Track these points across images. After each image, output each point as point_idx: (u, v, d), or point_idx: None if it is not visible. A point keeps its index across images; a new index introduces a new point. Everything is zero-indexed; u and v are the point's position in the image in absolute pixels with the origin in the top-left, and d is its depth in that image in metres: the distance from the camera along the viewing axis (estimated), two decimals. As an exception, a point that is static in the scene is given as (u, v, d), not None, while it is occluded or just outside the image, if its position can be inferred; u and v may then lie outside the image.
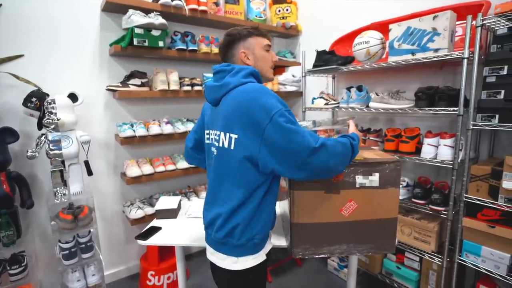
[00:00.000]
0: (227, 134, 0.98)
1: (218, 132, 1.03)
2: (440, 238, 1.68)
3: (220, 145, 1.01)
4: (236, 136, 0.95)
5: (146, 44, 1.88)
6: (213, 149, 1.06)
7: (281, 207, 1.52)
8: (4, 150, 1.63)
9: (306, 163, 0.88)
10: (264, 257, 1.07)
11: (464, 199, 1.49)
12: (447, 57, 1.45)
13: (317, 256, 1.18)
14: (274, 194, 1.07)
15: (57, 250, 1.78)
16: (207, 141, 1.12)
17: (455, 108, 1.45)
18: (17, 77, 1.72)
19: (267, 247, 1.11)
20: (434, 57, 1.50)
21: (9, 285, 1.63)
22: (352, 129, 1.15)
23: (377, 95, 1.83)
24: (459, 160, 1.48)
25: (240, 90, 0.97)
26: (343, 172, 1.11)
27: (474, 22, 1.37)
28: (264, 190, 1.01)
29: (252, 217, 1.01)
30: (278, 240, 1.34)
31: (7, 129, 1.67)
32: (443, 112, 1.52)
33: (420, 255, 1.72)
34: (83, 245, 1.82)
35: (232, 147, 0.97)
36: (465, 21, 1.43)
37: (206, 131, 1.12)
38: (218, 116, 1.03)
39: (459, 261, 1.54)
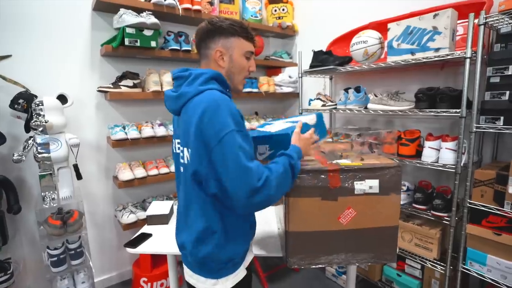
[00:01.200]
0: (186, 150, 0.91)
1: (181, 147, 0.94)
2: (442, 245, 1.62)
3: (185, 161, 0.92)
4: (190, 152, 0.88)
5: (138, 44, 1.83)
6: (181, 164, 0.97)
7: (276, 212, 1.46)
8: (-11, 154, 1.57)
9: (245, 203, 0.81)
10: (245, 272, 0.99)
11: (468, 204, 1.43)
12: (449, 57, 1.40)
13: (314, 266, 1.13)
14: None
15: (45, 256, 1.72)
16: (176, 151, 1.01)
17: (458, 110, 1.40)
18: (4, 78, 1.66)
19: (248, 259, 1.03)
20: (435, 56, 1.44)
21: (-6, 294, 1.57)
22: (294, 139, 0.99)
23: (375, 96, 1.77)
24: (462, 164, 1.42)
25: (196, 101, 0.86)
26: (341, 177, 1.05)
27: (476, 21, 1.31)
28: (223, 207, 0.91)
29: (224, 241, 0.92)
30: (272, 249, 1.28)
31: (-7, 132, 1.61)
32: (444, 114, 1.46)
33: (422, 262, 1.66)
34: (73, 252, 1.76)
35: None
36: (466, 20, 1.39)
37: (176, 140, 1.00)
38: (180, 128, 0.94)
39: (463, 270, 1.48)
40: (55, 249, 1.70)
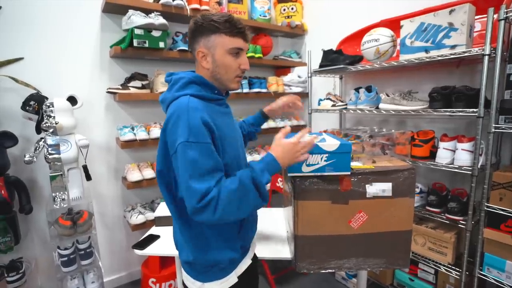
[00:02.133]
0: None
1: None
2: (457, 250, 1.56)
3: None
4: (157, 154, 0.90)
5: (146, 45, 1.83)
6: None
7: (285, 215, 1.43)
8: (2, 155, 1.60)
9: (194, 217, 0.79)
10: (236, 279, 0.94)
11: (485, 208, 1.37)
12: (466, 54, 1.35)
13: (323, 271, 1.10)
14: None
15: (56, 256, 1.74)
16: None
17: (475, 110, 1.34)
18: (16, 80, 1.69)
19: (242, 267, 0.98)
20: (451, 54, 1.39)
21: (7, 292, 1.59)
22: (273, 146, 0.91)
23: (387, 96, 1.72)
24: (479, 166, 1.36)
25: (170, 108, 0.85)
26: (352, 180, 1.02)
27: (496, 16, 1.25)
28: None
29: (204, 247, 0.90)
30: (281, 252, 1.26)
31: (6, 133, 1.64)
32: (460, 114, 1.40)
33: (436, 267, 1.60)
34: (82, 252, 1.77)
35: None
36: (484, 15, 1.33)
37: None
38: None
39: (480, 276, 1.42)
40: (66, 249, 1.72)
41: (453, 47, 1.39)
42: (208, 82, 0.91)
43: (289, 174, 1.02)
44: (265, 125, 2.40)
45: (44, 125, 1.62)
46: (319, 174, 1.00)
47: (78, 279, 1.80)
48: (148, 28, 1.81)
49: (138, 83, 1.94)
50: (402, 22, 1.58)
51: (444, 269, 1.56)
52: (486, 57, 1.28)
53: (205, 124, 0.80)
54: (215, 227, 0.90)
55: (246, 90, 2.31)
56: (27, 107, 1.64)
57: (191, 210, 0.78)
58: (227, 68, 0.90)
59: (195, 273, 0.94)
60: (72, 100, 1.77)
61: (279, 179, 2.33)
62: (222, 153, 0.86)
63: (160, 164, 0.89)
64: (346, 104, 2.01)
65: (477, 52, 1.31)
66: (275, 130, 2.46)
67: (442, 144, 1.50)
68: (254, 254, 1.12)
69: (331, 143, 0.98)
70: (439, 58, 1.43)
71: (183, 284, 1.01)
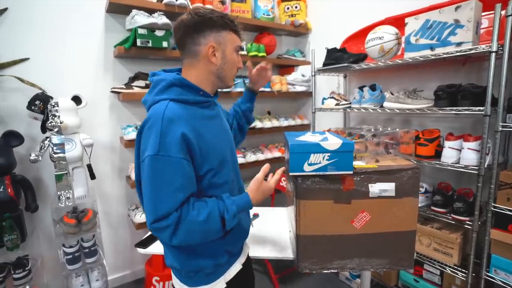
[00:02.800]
0: None
1: None
2: (463, 251, 1.54)
3: None
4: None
5: (150, 44, 1.83)
6: None
7: (288, 214, 1.43)
8: (8, 154, 1.62)
9: (149, 229, 0.78)
10: (224, 285, 0.92)
11: (492, 208, 1.34)
12: (472, 52, 1.32)
13: (326, 271, 1.09)
14: None
15: (61, 254, 1.76)
16: None
17: (481, 108, 1.32)
18: (22, 80, 1.71)
19: (231, 273, 0.96)
20: (457, 51, 1.36)
21: (14, 289, 1.61)
22: (251, 187, 0.90)
23: (392, 94, 1.70)
24: (485, 165, 1.34)
25: (149, 111, 0.82)
26: (354, 180, 1.01)
27: (503, 12, 1.23)
28: None
29: (186, 254, 0.88)
30: (284, 251, 1.25)
31: (12, 132, 1.66)
32: (466, 112, 1.38)
33: (441, 268, 1.58)
34: (87, 250, 1.79)
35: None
36: (491, 12, 1.30)
37: None
38: None
39: (487, 278, 1.39)
40: (70, 247, 1.74)
41: (459, 44, 1.37)
42: (192, 84, 0.86)
43: (291, 174, 1.01)
44: (268, 124, 2.40)
45: (49, 124, 1.64)
46: (321, 173, 0.99)
47: (83, 276, 1.82)
48: (151, 28, 1.82)
49: (141, 83, 1.95)
50: (406, 20, 1.56)
51: (450, 270, 1.53)
52: (493, 54, 1.25)
53: (181, 136, 0.76)
54: None
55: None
56: (33, 107, 1.66)
57: (149, 227, 0.76)
58: (233, 64, 0.91)
59: (182, 278, 0.93)
60: (76, 99, 1.79)
61: (283, 178, 2.32)
62: (203, 162, 0.83)
63: (137, 172, 0.85)
64: (350, 103, 1.99)
65: (483, 49, 1.28)
66: (279, 129, 2.45)
67: (447, 143, 1.48)
68: (248, 258, 1.11)
69: (333, 142, 0.97)
70: (445, 55, 1.41)
71: (173, 286, 1.00)
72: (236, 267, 0.98)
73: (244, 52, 2.27)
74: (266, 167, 0.94)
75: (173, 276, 0.98)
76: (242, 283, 1.02)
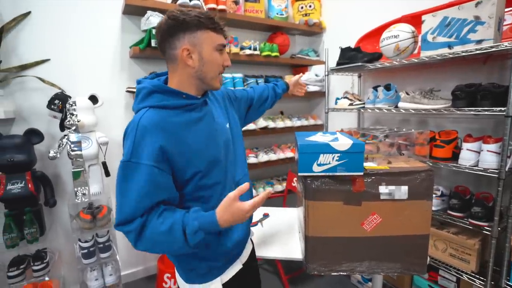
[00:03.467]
0: None
1: None
2: (482, 258, 1.47)
3: None
4: None
5: (164, 45, 1.86)
6: None
7: (297, 215, 1.42)
8: (29, 151, 1.69)
9: (116, 229, 0.80)
10: (219, 286, 0.92)
11: (513, 214, 1.28)
12: (493, 49, 1.26)
13: (335, 273, 1.07)
14: None
15: (77, 248, 1.82)
16: None
17: (502, 108, 1.25)
18: (43, 81, 1.78)
19: (228, 274, 0.95)
20: (477, 49, 1.31)
21: (32, 280, 1.68)
22: (221, 206, 0.80)
23: (407, 94, 1.65)
24: (506, 169, 1.28)
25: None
26: (365, 181, 0.99)
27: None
28: None
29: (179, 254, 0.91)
30: (294, 252, 1.24)
31: (34, 130, 1.73)
32: (486, 113, 1.32)
33: (458, 275, 1.52)
34: (101, 245, 1.84)
35: None
36: (515, 8, 1.24)
37: None
38: None
39: (507, 287, 1.33)
40: (86, 242, 1.79)
41: (479, 42, 1.31)
42: (172, 89, 0.85)
43: (300, 174, 1.00)
44: (281, 124, 2.39)
45: (67, 123, 1.70)
46: (330, 174, 0.98)
47: (97, 271, 1.87)
48: (165, 29, 1.85)
49: (155, 83, 1.98)
50: (423, 17, 1.51)
51: (467, 277, 1.47)
52: (516, 52, 1.19)
53: (159, 148, 0.77)
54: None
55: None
56: (52, 106, 1.73)
57: (116, 223, 0.79)
58: (214, 64, 0.86)
59: (180, 272, 0.96)
60: (93, 99, 1.84)
61: (295, 178, 2.30)
62: (187, 166, 0.82)
63: None
64: (364, 103, 1.95)
65: (506, 46, 1.22)
66: (292, 129, 2.44)
67: (465, 145, 1.42)
68: (252, 257, 1.10)
69: (343, 143, 0.95)
70: (464, 54, 1.35)
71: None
72: (235, 268, 0.98)
73: (258, 52, 2.27)
74: (244, 186, 0.81)
75: (175, 271, 1.01)
76: (243, 283, 1.01)
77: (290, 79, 1.52)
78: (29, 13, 1.76)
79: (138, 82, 0.89)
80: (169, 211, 0.80)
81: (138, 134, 0.77)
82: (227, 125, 1.01)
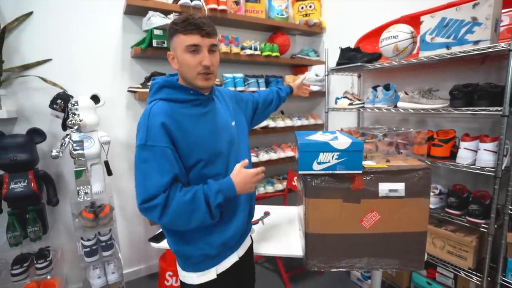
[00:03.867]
0: None
1: None
2: (479, 254, 1.50)
3: None
4: None
5: (165, 45, 1.88)
6: None
7: (297, 212, 1.44)
8: (32, 150, 1.71)
9: (139, 210, 0.85)
10: (214, 276, 0.97)
11: (510, 211, 1.31)
12: (490, 50, 1.28)
13: (334, 270, 1.09)
14: None
15: (80, 247, 1.84)
16: None
17: (499, 108, 1.28)
18: (45, 80, 1.80)
19: (225, 264, 1.00)
20: (474, 50, 1.33)
21: (36, 278, 1.70)
22: (233, 172, 0.94)
23: (406, 94, 1.67)
24: (503, 167, 1.30)
25: None
26: (364, 179, 1.01)
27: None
28: None
29: (178, 240, 0.96)
30: (294, 249, 1.26)
31: (36, 130, 1.74)
32: (483, 112, 1.34)
33: (455, 271, 1.54)
34: (104, 243, 1.86)
35: None
36: None
37: None
38: None
39: (503, 282, 1.35)
40: (88, 240, 1.81)
41: (476, 42, 1.33)
42: (180, 84, 0.94)
43: (300, 172, 1.02)
44: (281, 124, 2.41)
45: (69, 122, 1.71)
46: (330, 172, 1.00)
47: (100, 269, 1.89)
48: (167, 29, 1.87)
49: (157, 82, 2.00)
50: (422, 18, 1.53)
51: (464, 273, 1.50)
52: (512, 53, 1.21)
53: (164, 128, 0.85)
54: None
55: (263, 89, 2.32)
56: (54, 105, 1.74)
57: (139, 208, 0.84)
58: (187, 66, 0.90)
59: (179, 261, 1.01)
60: (95, 98, 1.86)
61: (295, 177, 2.33)
62: (190, 153, 0.90)
63: None
64: (363, 103, 1.97)
65: (502, 47, 1.24)
66: (292, 128, 2.46)
67: (463, 144, 1.45)
68: (249, 252, 1.14)
69: (342, 141, 0.97)
70: (461, 54, 1.37)
71: None
72: (231, 260, 1.02)
73: (258, 52, 2.28)
74: (245, 161, 0.97)
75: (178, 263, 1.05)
76: (237, 276, 1.05)
77: (293, 81, 1.56)
78: (31, 13, 1.77)
79: (153, 79, 0.97)
80: (188, 187, 0.89)
81: (149, 120, 0.85)
82: (233, 123, 1.06)
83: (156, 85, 0.94)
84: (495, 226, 1.35)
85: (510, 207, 1.31)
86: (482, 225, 1.39)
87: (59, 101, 1.74)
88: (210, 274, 0.97)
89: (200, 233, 0.95)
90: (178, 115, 0.89)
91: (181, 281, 1.03)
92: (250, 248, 1.17)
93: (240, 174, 0.93)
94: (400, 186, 1.00)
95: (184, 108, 0.92)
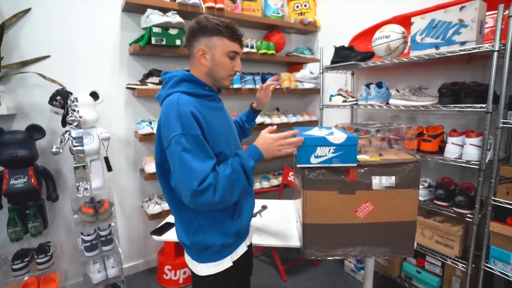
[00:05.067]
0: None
1: None
2: (464, 243, 1.59)
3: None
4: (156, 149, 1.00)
5: (164, 42, 1.91)
6: None
7: (295, 205, 1.50)
8: (32, 146, 1.72)
9: (190, 202, 0.88)
10: (230, 263, 1.03)
11: (492, 202, 1.39)
12: (475, 51, 1.36)
13: (330, 258, 1.16)
14: None
15: (80, 242, 1.86)
16: None
17: (483, 105, 1.36)
18: (44, 77, 1.81)
19: (239, 252, 1.07)
20: (460, 50, 1.40)
21: (36, 273, 1.72)
22: (258, 139, 1.02)
23: (397, 91, 1.75)
24: (486, 161, 1.39)
25: (163, 104, 0.95)
26: (358, 172, 1.07)
27: (506, 12, 1.26)
28: None
29: (195, 230, 0.99)
30: (291, 240, 1.32)
31: (35, 126, 1.75)
32: (469, 109, 1.42)
33: (443, 259, 1.63)
34: (104, 238, 1.89)
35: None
36: (497, 11, 1.33)
37: None
38: None
39: (486, 269, 1.45)
40: (88, 235, 1.84)
41: (462, 43, 1.41)
42: (199, 79, 0.98)
43: (298, 165, 1.08)
44: (277, 120, 2.46)
45: (69, 118, 1.73)
46: (326, 165, 1.06)
47: (100, 263, 1.92)
48: (165, 27, 1.90)
49: (155, 79, 2.03)
50: (412, 19, 1.60)
51: (451, 261, 1.59)
52: (495, 53, 1.29)
53: (194, 117, 0.88)
54: (208, 214, 0.98)
55: (259, 85, 2.37)
56: (54, 102, 1.76)
57: (192, 193, 0.85)
58: (224, 67, 0.98)
59: (193, 254, 1.03)
60: (94, 95, 1.88)
61: (290, 173, 2.39)
62: (213, 145, 0.94)
63: (159, 158, 0.99)
64: (357, 100, 2.04)
65: (486, 48, 1.32)
66: (288, 125, 2.51)
67: (450, 139, 1.53)
68: (250, 243, 1.20)
69: (338, 136, 1.03)
70: (449, 54, 1.45)
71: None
72: (242, 248, 1.09)
73: (254, 50, 2.33)
74: (273, 128, 1.05)
75: (185, 254, 1.09)
76: (246, 264, 1.13)
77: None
78: (29, 9, 1.77)
79: (165, 73, 1.02)
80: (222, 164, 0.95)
81: (181, 109, 0.88)
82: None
83: (175, 78, 0.96)
84: (479, 216, 1.44)
85: (493, 198, 1.39)
86: (468, 215, 1.47)
87: (58, 97, 1.75)
88: (227, 262, 1.02)
89: (218, 222, 0.99)
90: (201, 107, 0.93)
91: (194, 274, 1.05)
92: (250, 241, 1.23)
93: (260, 138, 1.01)
94: (392, 178, 1.06)
95: (203, 102, 0.97)
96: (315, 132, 1.15)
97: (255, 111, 1.34)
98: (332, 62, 2.10)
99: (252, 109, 1.34)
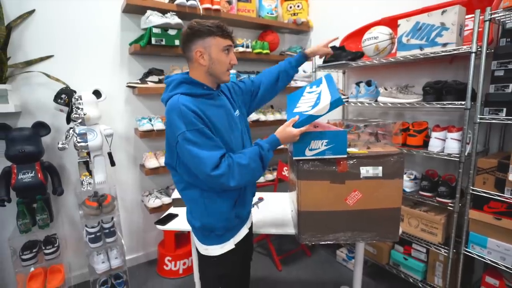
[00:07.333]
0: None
1: None
2: (447, 230, 1.71)
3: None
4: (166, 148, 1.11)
5: (163, 43, 1.99)
6: None
7: (290, 197, 1.60)
8: (38, 142, 1.79)
9: (208, 181, 1.00)
10: (233, 246, 1.14)
11: (471, 191, 1.51)
12: (455, 52, 1.48)
13: (323, 243, 1.26)
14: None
15: (84, 234, 1.94)
16: None
17: (462, 102, 1.48)
18: (48, 76, 1.87)
19: (240, 234, 1.19)
20: (442, 51, 1.52)
21: (44, 263, 1.80)
22: (279, 130, 1.12)
23: (385, 89, 1.86)
24: (466, 153, 1.51)
25: (167, 105, 1.04)
26: (348, 163, 1.18)
27: (482, 16, 1.38)
28: (200, 189, 1.08)
29: (201, 214, 1.10)
30: (286, 228, 1.43)
31: (41, 123, 1.82)
32: (450, 106, 1.54)
33: (427, 246, 1.76)
34: (107, 230, 1.97)
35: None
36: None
37: None
38: None
39: (465, 253, 1.57)
40: (92, 227, 1.92)
41: (444, 45, 1.52)
42: (196, 80, 1.06)
43: (294, 158, 1.18)
44: (271, 117, 2.56)
45: (74, 116, 1.80)
46: (320, 157, 1.16)
47: (103, 254, 2.00)
48: (165, 27, 1.98)
49: (155, 78, 2.11)
50: (399, 21, 1.71)
51: (435, 248, 1.71)
52: (473, 55, 1.41)
53: (195, 113, 0.97)
54: (212, 199, 1.08)
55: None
56: (59, 100, 1.82)
57: (206, 177, 0.97)
58: (221, 63, 1.07)
59: (200, 237, 1.15)
60: (96, 93, 1.95)
61: (285, 168, 2.49)
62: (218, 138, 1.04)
63: (168, 157, 1.11)
64: (347, 97, 2.15)
65: (465, 49, 1.44)
66: (281, 122, 2.57)
67: (434, 134, 1.65)
68: (251, 226, 1.32)
69: (322, 105, 1.09)
70: (432, 55, 1.56)
71: (196, 247, 1.21)
72: (244, 231, 1.21)
73: (250, 49, 2.42)
74: (296, 118, 1.12)
75: (193, 236, 1.20)
76: (247, 245, 1.24)
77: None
78: (33, 11, 1.84)
79: (167, 77, 1.10)
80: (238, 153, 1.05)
81: (182, 108, 0.97)
82: (236, 113, 1.20)
83: (175, 81, 1.06)
84: (460, 204, 1.56)
85: (471, 187, 1.51)
86: (449, 204, 1.60)
87: (63, 95, 1.82)
88: (229, 245, 1.13)
89: (221, 207, 1.09)
90: (201, 105, 1.02)
91: (201, 255, 1.17)
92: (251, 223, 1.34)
93: (285, 130, 1.10)
94: (378, 169, 1.17)
95: (202, 101, 1.05)
96: (303, 102, 1.23)
97: (305, 58, 1.43)
98: (325, 61, 2.20)
99: (303, 55, 1.42)
